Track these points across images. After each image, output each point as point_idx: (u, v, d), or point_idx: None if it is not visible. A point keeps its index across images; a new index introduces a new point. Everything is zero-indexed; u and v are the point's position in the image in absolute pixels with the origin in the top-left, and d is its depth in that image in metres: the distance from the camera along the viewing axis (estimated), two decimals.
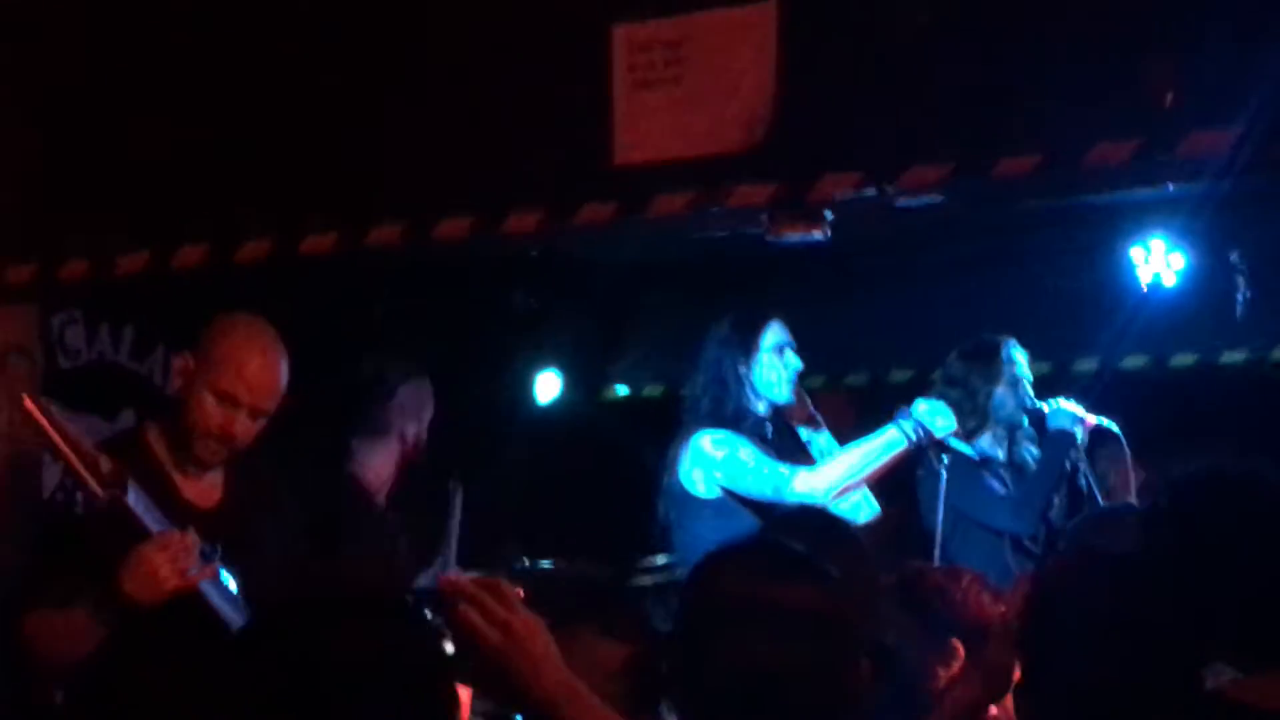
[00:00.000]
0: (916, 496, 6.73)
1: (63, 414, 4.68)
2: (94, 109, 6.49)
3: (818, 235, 5.54)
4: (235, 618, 4.73)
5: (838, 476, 6.15)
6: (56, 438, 4.55)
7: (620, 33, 5.61)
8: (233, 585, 4.80)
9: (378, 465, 6.23)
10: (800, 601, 3.09)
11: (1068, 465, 6.74)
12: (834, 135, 5.37)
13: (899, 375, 8.78)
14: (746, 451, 6.19)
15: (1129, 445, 6.85)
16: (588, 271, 8.26)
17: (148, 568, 4.57)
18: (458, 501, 5.34)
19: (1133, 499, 6.74)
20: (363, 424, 6.27)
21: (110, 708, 4.76)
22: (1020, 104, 5.10)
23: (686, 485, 6.28)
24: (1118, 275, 7.85)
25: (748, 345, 6.35)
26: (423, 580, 5.35)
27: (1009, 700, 4.16)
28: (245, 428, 4.90)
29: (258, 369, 4.90)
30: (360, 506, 6.07)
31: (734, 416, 6.29)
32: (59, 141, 6.53)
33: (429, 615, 2.82)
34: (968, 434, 6.80)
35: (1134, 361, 8.47)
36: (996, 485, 6.82)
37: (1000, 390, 6.83)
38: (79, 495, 4.70)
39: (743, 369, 6.32)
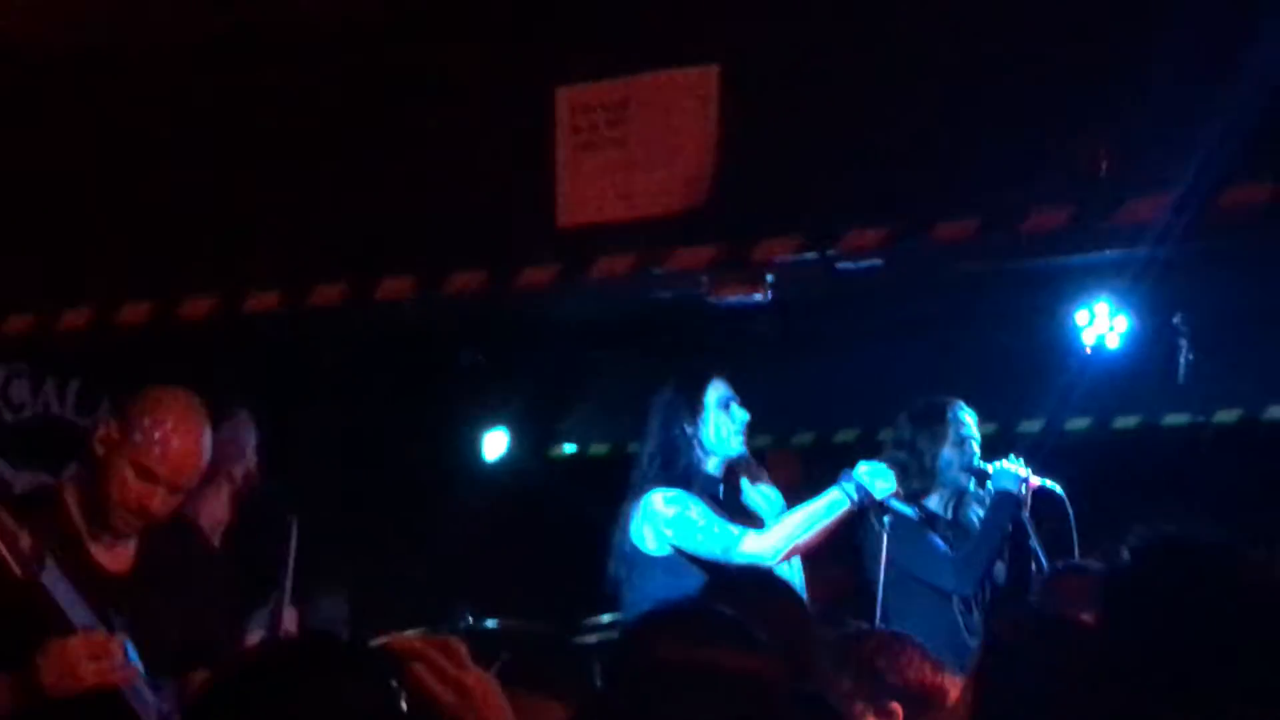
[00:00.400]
0: (862, 557, 6.75)
1: (9, 471, 4.63)
2: (42, 166, 6.50)
3: (758, 297, 5.57)
4: (150, 705, 4.69)
5: (784, 537, 6.21)
6: None
7: (564, 95, 5.65)
8: (140, 667, 4.74)
9: (209, 508, 6.13)
10: (732, 666, 3.10)
11: (1010, 526, 6.77)
12: (775, 198, 5.42)
13: (845, 435, 8.82)
14: (697, 510, 6.23)
15: (1072, 507, 6.88)
16: (534, 330, 8.28)
17: (67, 662, 4.49)
18: (293, 536, 5.25)
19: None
20: None
21: None
22: (959, 170, 5.15)
23: (637, 542, 6.31)
24: (1062, 337, 7.89)
25: (693, 404, 6.39)
26: (257, 619, 5.27)
27: None
28: (163, 503, 4.79)
29: (180, 448, 4.76)
30: (195, 551, 5.98)
31: (685, 475, 6.32)
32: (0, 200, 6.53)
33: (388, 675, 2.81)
34: (915, 494, 6.83)
35: (1078, 423, 8.51)
36: (941, 545, 6.84)
37: (947, 451, 6.85)
38: None
39: (690, 428, 6.36)
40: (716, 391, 6.41)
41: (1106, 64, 4.95)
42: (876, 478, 6.32)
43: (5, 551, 4.44)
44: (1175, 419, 8.50)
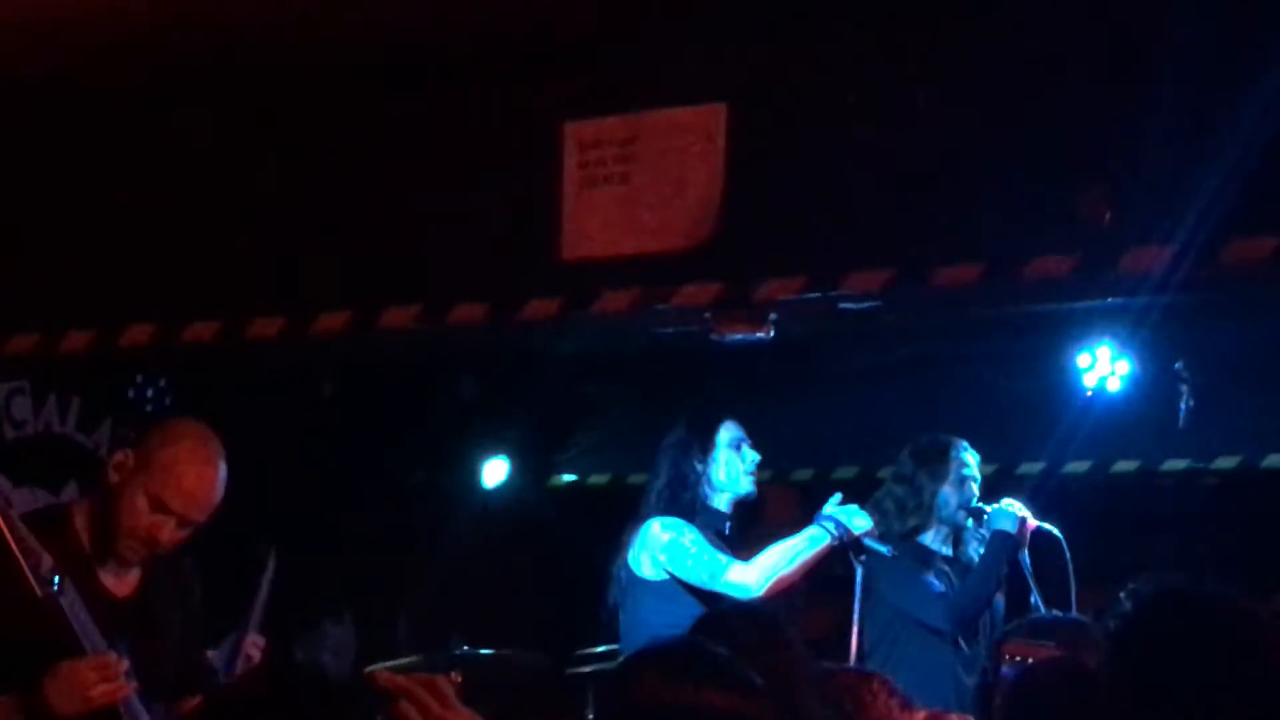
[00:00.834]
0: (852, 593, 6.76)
1: (9, 488, 4.65)
2: (45, 184, 6.52)
3: (761, 335, 5.59)
4: None
5: (767, 569, 6.26)
6: (5, 530, 4.51)
7: (571, 130, 5.67)
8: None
9: None
10: (722, 705, 3.10)
11: (1007, 566, 6.78)
12: (779, 237, 5.43)
13: (844, 472, 8.83)
14: (691, 537, 6.30)
15: (1070, 549, 6.88)
16: (536, 361, 8.30)
17: (79, 685, 4.53)
18: (269, 569, 5.24)
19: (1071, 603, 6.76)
20: None
21: None
22: (963, 216, 5.17)
23: (634, 568, 6.39)
24: (1063, 380, 7.91)
25: (705, 444, 6.49)
26: (218, 650, 5.27)
27: None
28: (172, 535, 4.82)
29: (195, 482, 4.80)
30: (185, 580, 5.94)
31: (690, 507, 6.40)
32: (4, 218, 6.54)
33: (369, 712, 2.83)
34: (911, 531, 6.85)
35: (1077, 466, 8.52)
36: (936, 583, 6.85)
37: (945, 489, 6.88)
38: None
39: (700, 465, 6.45)
40: (728, 431, 6.52)
41: (1111, 113, 4.96)
42: (853, 515, 6.37)
43: (28, 572, 4.48)
44: (1174, 464, 8.51)
